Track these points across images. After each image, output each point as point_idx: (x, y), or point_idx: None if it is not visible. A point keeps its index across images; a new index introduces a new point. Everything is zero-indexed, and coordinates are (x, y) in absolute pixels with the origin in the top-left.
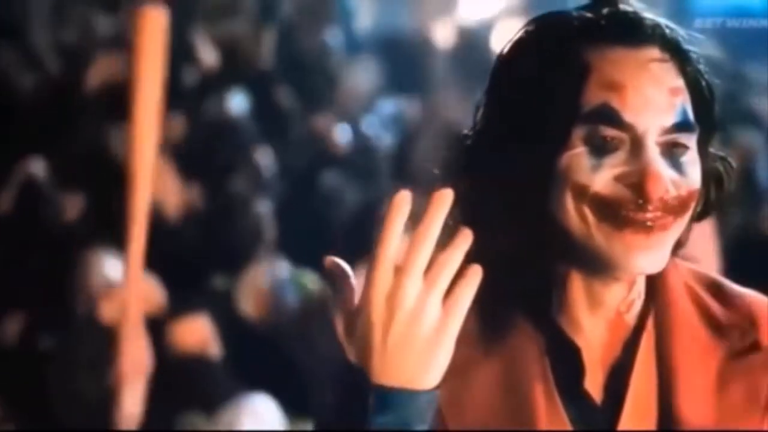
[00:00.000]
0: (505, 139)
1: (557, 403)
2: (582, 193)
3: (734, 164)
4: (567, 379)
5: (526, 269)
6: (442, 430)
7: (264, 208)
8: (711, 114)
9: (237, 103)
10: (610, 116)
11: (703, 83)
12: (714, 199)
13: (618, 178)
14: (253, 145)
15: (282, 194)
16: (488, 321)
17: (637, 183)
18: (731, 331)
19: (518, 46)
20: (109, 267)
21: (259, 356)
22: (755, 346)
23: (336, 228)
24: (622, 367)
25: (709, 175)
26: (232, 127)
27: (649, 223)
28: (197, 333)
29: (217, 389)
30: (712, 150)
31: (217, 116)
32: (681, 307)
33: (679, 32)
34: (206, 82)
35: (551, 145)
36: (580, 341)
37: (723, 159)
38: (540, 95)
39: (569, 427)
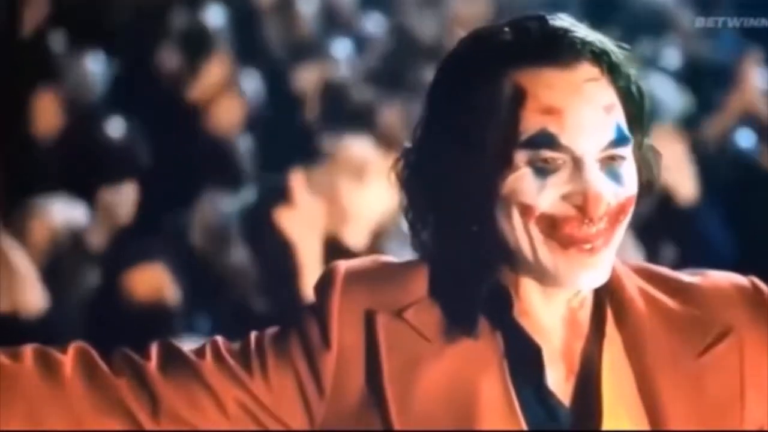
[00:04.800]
0: (446, 160)
1: (514, 405)
2: (529, 213)
3: (659, 151)
4: (530, 379)
5: (483, 274)
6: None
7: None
8: (643, 117)
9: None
10: (549, 141)
11: (634, 89)
12: (646, 185)
13: (564, 198)
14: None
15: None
16: (450, 318)
17: (581, 204)
18: (694, 329)
19: (452, 68)
20: None
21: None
22: (723, 333)
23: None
24: (589, 368)
25: (641, 166)
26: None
27: (589, 245)
28: (154, 280)
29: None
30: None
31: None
32: (642, 315)
33: (608, 44)
34: None
35: (494, 167)
36: (542, 339)
37: (650, 147)
38: (478, 120)
39: (525, 428)
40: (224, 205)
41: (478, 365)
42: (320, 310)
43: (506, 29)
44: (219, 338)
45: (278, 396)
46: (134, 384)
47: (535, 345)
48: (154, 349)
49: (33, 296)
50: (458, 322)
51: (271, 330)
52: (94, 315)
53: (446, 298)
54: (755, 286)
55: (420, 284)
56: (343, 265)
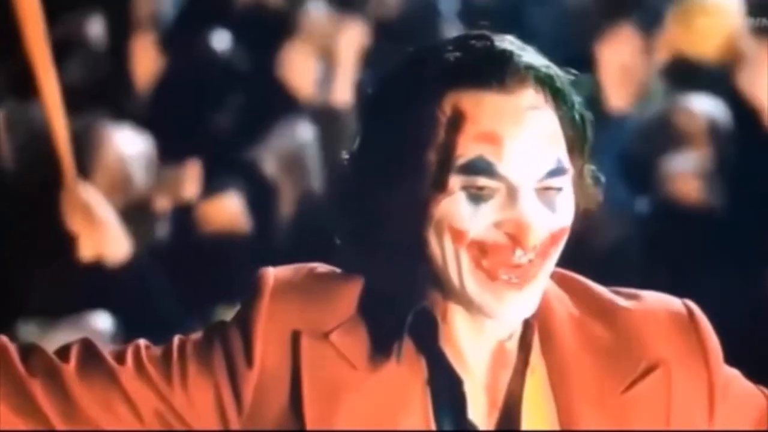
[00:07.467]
0: (380, 178)
1: None
2: (460, 239)
3: (599, 174)
4: (452, 409)
5: (412, 296)
6: None
7: None
8: (585, 145)
9: None
10: (486, 169)
11: (577, 117)
12: (583, 213)
13: (497, 225)
14: None
15: None
16: (375, 339)
17: (514, 233)
18: (622, 361)
19: (391, 85)
20: None
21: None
22: (651, 367)
23: None
24: (512, 400)
25: (580, 194)
26: None
27: (517, 279)
28: (227, 211)
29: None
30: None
31: None
32: (569, 344)
33: (554, 69)
34: None
35: (428, 190)
36: (464, 371)
37: (591, 173)
38: (414, 141)
39: None
40: (299, 133)
41: (400, 393)
42: (245, 324)
43: (450, 47)
44: (142, 342)
45: (196, 409)
46: (49, 385)
47: (457, 377)
48: (73, 350)
49: (117, 244)
50: (383, 344)
51: (196, 337)
52: (170, 251)
53: (373, 318)
54: (690, 313)
55: (350, 301)
56: (272, 275)
